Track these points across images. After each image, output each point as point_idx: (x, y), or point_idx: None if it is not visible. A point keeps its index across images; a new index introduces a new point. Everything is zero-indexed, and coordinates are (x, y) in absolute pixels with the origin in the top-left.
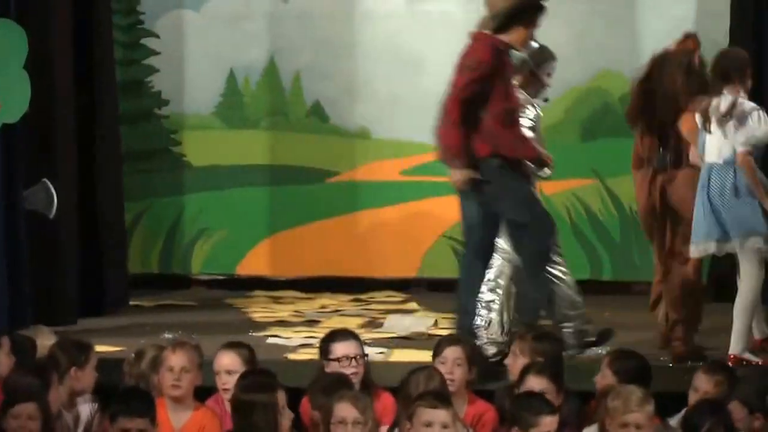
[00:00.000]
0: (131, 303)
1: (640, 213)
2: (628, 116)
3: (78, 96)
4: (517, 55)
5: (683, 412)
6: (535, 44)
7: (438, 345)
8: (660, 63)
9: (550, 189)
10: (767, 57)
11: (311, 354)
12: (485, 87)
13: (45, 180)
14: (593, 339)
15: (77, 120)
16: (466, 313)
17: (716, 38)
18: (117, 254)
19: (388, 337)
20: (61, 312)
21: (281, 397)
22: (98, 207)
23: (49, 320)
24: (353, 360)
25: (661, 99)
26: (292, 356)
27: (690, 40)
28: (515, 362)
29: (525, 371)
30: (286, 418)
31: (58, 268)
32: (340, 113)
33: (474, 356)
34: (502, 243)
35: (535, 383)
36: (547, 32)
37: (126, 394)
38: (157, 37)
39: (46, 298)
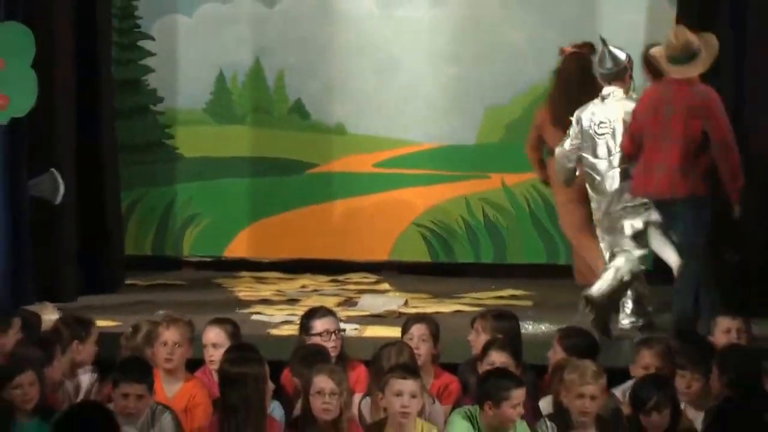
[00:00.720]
0: (127, 282)
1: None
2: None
3: (78, 93)
4: None
5: (627, 384)
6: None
7: (406, 323)
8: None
9: (511, 181)
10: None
11: (292, 330)
12: None
13: (53, 170)
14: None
15: (77, 114)
16: None
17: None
18: (113, 237)
19: (362, 315)
20: (62, 290)
21: (265, 371)
22: (96, 194)
23: (52, 297)
24: (331, 335)
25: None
26: (274, 332)
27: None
28: (477, 339)
29: (487, 347)
30: (267, 391)
31: (59, 250)
32: (319, 110)
33: (438, 333)
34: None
35: (497, 358)
36: (511, 37)
37: (127, 362)
38: (153, 39)
39: (49, 276)
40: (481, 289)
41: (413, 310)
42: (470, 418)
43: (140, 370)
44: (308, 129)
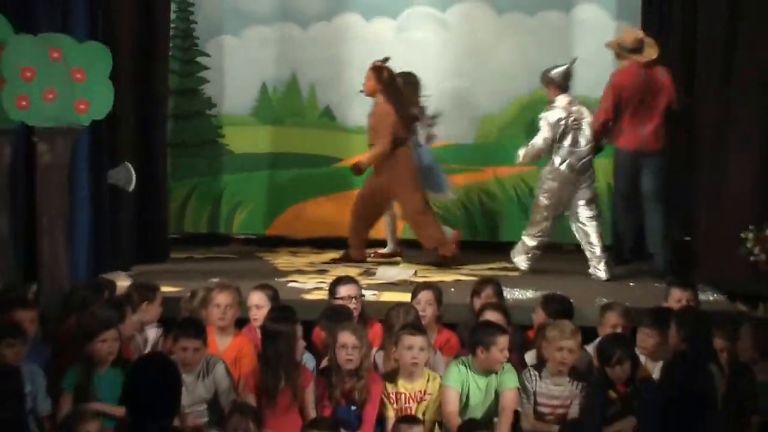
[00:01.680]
0: (185, 255)
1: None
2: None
3: (138, 101)
4: None
5: (596, 342)
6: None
7: (415, 289)
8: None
9: (502, 173)
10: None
11: (322, 295)
12: None
13: (127, 163)
14: None
15: (136, 118)
16: None
17: None
18: (162, 219)
19: (379, 283)
20: (121, 260)
21: (298, 329)
22: (148, 183)
23: (115, 267)
24: (353, 299)
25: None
26: (306, 296)
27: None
28: (476, 303)
29: (483, 308)
30: (300, 346)
31: (122, 228)
32: (343, 115)
33: (441, 298)
34: None
35: (491, 316)
36: (502, 57)
37: (185, 322)
38: (208, 56)
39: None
40: (477, 262)
41: (421, 279)
42: (465, 365)
43: (196, 328)
44: (334, 130)
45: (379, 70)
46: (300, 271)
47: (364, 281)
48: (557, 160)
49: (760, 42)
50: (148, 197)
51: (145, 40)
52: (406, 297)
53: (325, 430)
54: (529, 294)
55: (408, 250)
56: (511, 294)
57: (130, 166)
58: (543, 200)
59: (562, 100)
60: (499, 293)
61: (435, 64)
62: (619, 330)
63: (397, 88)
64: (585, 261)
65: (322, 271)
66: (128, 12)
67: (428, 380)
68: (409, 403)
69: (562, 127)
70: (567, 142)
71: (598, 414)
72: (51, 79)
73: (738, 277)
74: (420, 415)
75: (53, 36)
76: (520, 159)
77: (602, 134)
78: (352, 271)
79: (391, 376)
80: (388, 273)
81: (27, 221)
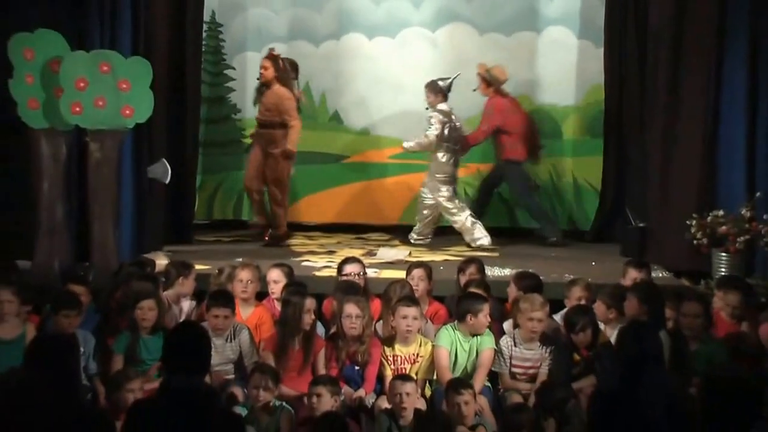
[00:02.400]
0: (214, 238)
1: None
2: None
3: (175, 106)
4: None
5: (562, 312)
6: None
7: (409, 267)
8: None
9: (483, 168)
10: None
11: (331, 272)
12: None
13: (163, 159)
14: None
15: (172, 121)
16: None
17: (593, 78)
18: (189, 208)
19: (380, 262)
20: (153, 242)
21: (311, 302)
22: (179, 177)
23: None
24: (357, 276)
25: None
26: (318, 273)
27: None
28: (461, 279)
29: (468, 284)
30: (310, 317)
31: (155, 214)
32: (350, 119)
33: (431, 275)
34: None
35: (473, 290)
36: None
37: (216, 293)
38: (234, 69)
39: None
40: (463, 244)
41: (415, 259)
42: (453, 330)
43: (226, 298)
44: (342, 132)
45: (276, 59)
46: (312, 252)
47: (366, 261)
48: (445, 156)
49: (700, 56)
50: (178, 188)
51: (180, 56)
52: (401, 274)
53: (326, 384)
54: (506, 272)
55: (403, 234)
56: (491, 272)
57: (166, 162)
58: (446, 192)
59: (443, 106)
60: (482, 271)
61: (427, 75)
62: (582, 302)
63: (287, 74)
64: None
65: (331, 252)
66: (166, 32)
67: (420, 345)
68: (404, 364)
69: (448, 128)
70: (450, 142)
71: (565, 373)
72: (101, 89)
73: (683, 257)
74: (413, 375)
75: (103, 52)
76: (411, 148)
77: (476, 144)
78: (356, 252)
79: (389, 341)
80: (386, 253)
81: (80, 209)
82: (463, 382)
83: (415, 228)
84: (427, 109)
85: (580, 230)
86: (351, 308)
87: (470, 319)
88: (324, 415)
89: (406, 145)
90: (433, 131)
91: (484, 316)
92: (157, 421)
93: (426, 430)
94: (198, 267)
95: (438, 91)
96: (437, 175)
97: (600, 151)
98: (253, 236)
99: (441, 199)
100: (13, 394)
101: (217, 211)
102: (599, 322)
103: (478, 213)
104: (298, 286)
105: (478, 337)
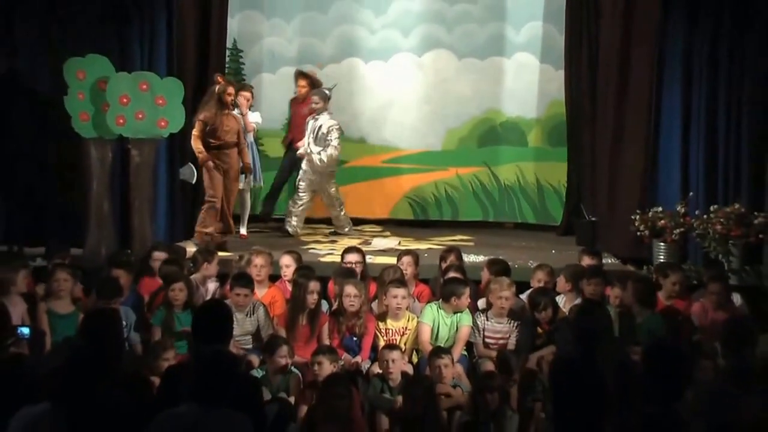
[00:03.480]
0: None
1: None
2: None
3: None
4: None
5: (527, 292)
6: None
7: (399, 255)
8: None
9: (462, 172)
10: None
11: (334, 258)
12: None
13: (190, 163)
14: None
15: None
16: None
17: (553, 95)
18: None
19: (374, 250)
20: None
21: (315, 284)
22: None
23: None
24: (357, 263)
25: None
26: (323, 259)
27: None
28: (443, 264)
29: (447, 269)
30: (314, 297)
31: (185, 210)
32: (349, 129)
33: (418, 261)
34: None
35: (453, 274)
36: (461, 87)
37: (239, 275)
38: (252, 87)
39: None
40: (444, 235)
41: (404, 247)
42: (436, 308)
43: (246, 280)
44: (343, 141)
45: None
46: (317, 241)
47: (363, 248)
48: (322, 157)
49: (643, 76)
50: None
51: (207, 76)
52: (392, 260)
53: (326, 354)
54: (480, 258)
55: (394, 227)
56: (467, 258)
57: (192, 165)
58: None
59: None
60: (460, 258)
61: (414, 92)
62: (544, 284)
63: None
64: (521, 235)
65: (333, 241)
66: (195, 56)
67: (408, 320)
68: (394, 336)
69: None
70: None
71: (529, 344)
72: (141, 104)
73: (628, 247)
74: (402, 345)
75: (142, 74)
76: (323, 162)
77: None
78: (354, 241)
79: (382, 317)
80: (380, 243)
81: (122, 204)
82: (443, 348)
83: (295, 220)
84: (315, 119)
85: (548, 225)
86: (350, 289)
87: (454, 300)
88: (332, 375)
89: (319, 158)
90: (336, 141)
91: (465, 298)
92: (189, 382)
93: (411, 389)
94: (221, 254)
95: (327, 98)
96: (329, 170)
97: (558, 156)
98: (270, 228)
99: (333, 190)
100: (68, 359)
101: (238, 206)
102: (560, 294)
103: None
104: (306, 269)
105: (459, 315)
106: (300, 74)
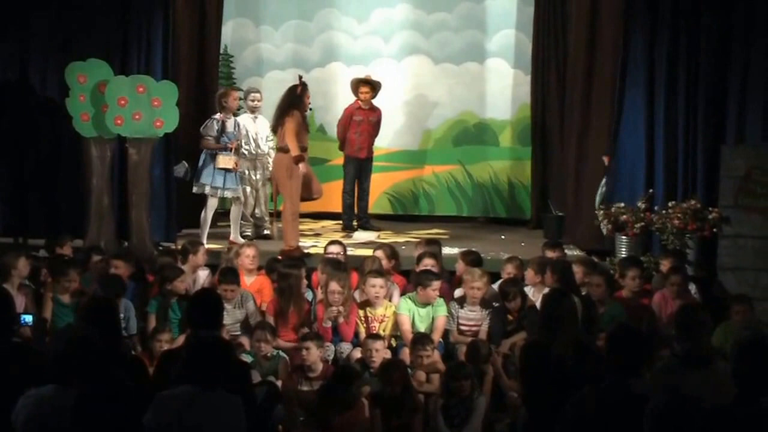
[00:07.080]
0: (225, 224)
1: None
2: None
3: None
4: None
5: (498, 282)
6: None
7: (376, 248)
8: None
9: (438, 170)
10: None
11: (318, 250)
12: None
13: (184, 161)
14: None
15: (192, 132)
16: None
17: (522, 98)
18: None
19: (356, 243)
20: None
21: (302, 272)
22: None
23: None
24: (339, 254)
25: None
26: (308, 251)
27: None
28: (417, 251)
29: (421, 256)
30: (303, 285)
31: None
32: (332, 130)
33: (397, 253)
34: None
35: (428, 262)
36: (437, 93)
37: (225, 270)
38: (242, 90)
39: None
40: (420, 228)
41: (383, 240)
42: (411, 300)
43: (232, 275)
44: (326, 140)
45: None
46: (303, 234)
47: (345, 242)
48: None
49: (607, 80)
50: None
51: (200, 80)
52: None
53: (313, 339)
54: (455, 250)
55: (375, 221)
56: (443, 250)
57: (186, 163)
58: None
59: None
60: (435, 246)
61: (394, 96)
62: (514, 275)
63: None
64: (494, 229)
65: (317, 235)
66: (189, 60)
67: (386, 308)
68: (374, 323)
69: None
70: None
71: (500, 331)
72: (138, 106)
73: (592, 240)
74: (381, 331)
75: (140, 77)
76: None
77: None
78: (336, 235)
79: (363, 305)
80: (361, 236)
81: (121, 199)
82: (426, 338)
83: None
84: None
85: (519, 219)
86: (334, 286)
87: (421, 290)
88: (341, 367)
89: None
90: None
91: (432, 290)
92: (184, 365)
93: (389, 373)
94: (213, 246)
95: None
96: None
97: (528, 155)
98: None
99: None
100: (71, 343)
101: (229, 203)
102: (528, 285)
103: None
104: (293, 260)
105: (434, 306)
106: (361, 82)
